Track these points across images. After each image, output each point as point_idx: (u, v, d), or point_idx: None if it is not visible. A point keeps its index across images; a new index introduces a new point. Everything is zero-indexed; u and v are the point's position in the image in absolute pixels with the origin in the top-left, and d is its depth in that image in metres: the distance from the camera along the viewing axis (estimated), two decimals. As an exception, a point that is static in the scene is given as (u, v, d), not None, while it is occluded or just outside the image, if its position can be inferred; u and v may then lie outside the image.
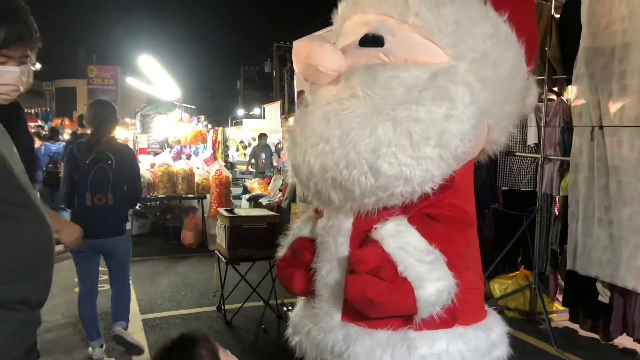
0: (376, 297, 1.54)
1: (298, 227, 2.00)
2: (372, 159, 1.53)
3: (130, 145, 11.36)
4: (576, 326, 4.20)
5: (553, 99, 4.58)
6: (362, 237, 1.69)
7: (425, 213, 1.66)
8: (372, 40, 1.71)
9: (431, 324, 1.63)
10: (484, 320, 1.79)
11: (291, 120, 1.82)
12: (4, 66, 1.43)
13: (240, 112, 36.50)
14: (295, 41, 1.72)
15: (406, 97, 1.58)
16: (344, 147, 1.55)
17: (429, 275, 1.54)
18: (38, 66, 1.54)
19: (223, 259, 4.24)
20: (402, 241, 1.57)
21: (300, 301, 1.97)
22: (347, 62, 1.68)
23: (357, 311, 1.66)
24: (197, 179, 7.10)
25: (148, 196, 6.73)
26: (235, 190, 11.70)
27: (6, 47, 1.41)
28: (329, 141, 1.58)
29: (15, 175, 1.53)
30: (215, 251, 4.53)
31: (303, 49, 1.66)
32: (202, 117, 11.30)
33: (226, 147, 12.91)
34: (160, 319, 4.38)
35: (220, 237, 4.40)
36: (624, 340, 3.88)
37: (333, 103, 1.66)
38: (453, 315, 1.65)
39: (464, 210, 1.73)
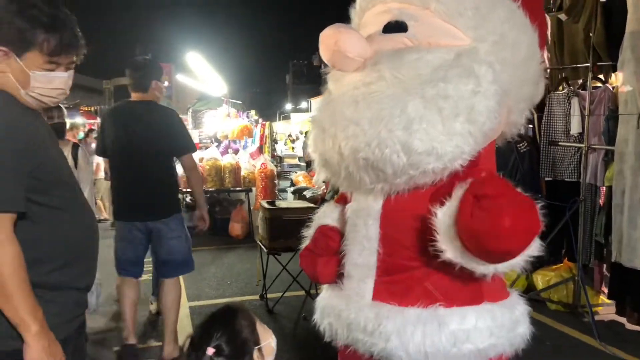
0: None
1: (319, 216, 2.05)
2: (404, 137, 1.55)
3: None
4: (623, 320, 4.09)
5: (599, 87, 4.44)
6: (393, 218, 1.72)
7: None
8: (395, 27, 1.74)
9: (460, 300, 1.66)
10: (507, 299, 1.80)
11: (314, 110, 1.86)
12: (54, 72, 1.58)
13: (289, 106, 36.82)
14: (322, 31, 1.74)
15: (433, 76, 1.61)
16: (375, 127, 1.57)
17: None
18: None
19: (265, 249, 4.40)
20: None
21: (325, 287, 2.01)
22: (372, 49, 1.72)
23: (387, 290, 1.71)
24: (243, 173, 7.30)
25: (197, 189, 6.98)
26: (284, 184, 11.92)
27: (57, 54, 1.57)
28: (359, 123, 1.60)
29: (65, 174, 1.70)
30: (258, 242, 4.69)
31: (331, 37, 1.70)
32: (253, 112, 11.52)
33: (274, 141, 13.12)
34: (206, 306, 4.57)
35: (262, 228, 4.56)
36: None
37: (360, 88, 1.68)
38: (481, 293, 1.68)
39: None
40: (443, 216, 1.53)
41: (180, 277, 3.62)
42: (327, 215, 2.02)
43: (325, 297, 1.96)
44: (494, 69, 1.63)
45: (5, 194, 1.44)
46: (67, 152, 3.57)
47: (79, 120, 11.72)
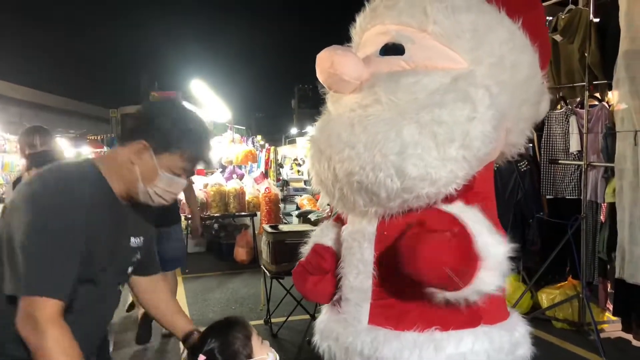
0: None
1: (316, 234, 2.06)
2: (398, 161, 1.55)
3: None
4: (629, 336, 4.06)
5: (595, 105, 4.49)
6: (387, 241, 1.72)
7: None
8: (392, 49, 1.74)
9: (457, 323, 1.64)
10: (507, 320, 1.78)
11: (313, 130, 1.85)
12: (179, 178, 1.61)
13: (294, 130, 37.03)
14: (318, 53, 1.73)
15: (429, 100, 1.60)
16: (370, 150, 1.57)
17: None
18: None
19: (268, 273, 4.41)
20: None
21: (324, 309, 2.02)
22: (369, 71, 1.71)
23: (383, 315, 1.71)
24: (247, 197, 7.35)
25: (202, 215, 7.03)
26: (290, 207, 11.94)
27: (191, 163, 1.61)
28: (354, 147, 1.60)
29: (108, 269, 1.62)
30: (262, 266, 4.71)
31: (326, 59, 1.69)
32: (259, 137, 11.61)
33: (279, 166, 13.19)
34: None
35: (265, 252, 4.58)
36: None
37: (357, 110, 1.68)
38: (478, 315, 1.66)
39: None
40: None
41: (185, 302, 3.83)
42: (324, 234, 2.04)
43: (324, 320, 1.96)
44: (491, 93, 1.63)
45: (53, 279, 1.38)
46: None
47: (86, 149, 11.86)
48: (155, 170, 1.54)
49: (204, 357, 1.45)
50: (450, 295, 1.52)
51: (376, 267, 1.74)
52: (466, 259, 1.45)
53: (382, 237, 1.74)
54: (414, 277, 1.48)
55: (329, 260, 1.95)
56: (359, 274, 1.78)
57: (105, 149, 15.28)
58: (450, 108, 1.57)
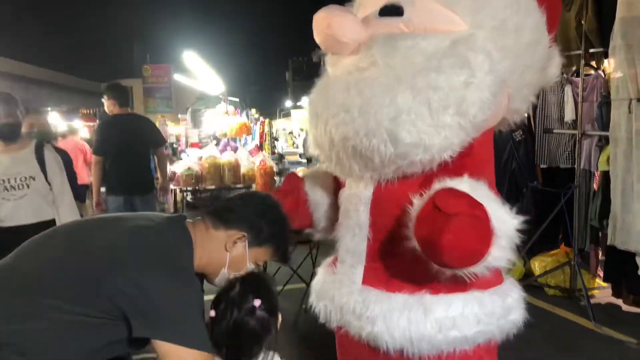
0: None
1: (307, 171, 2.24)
2: (391, 127, 1.53)
3: (182, 140, 11.83)
4: (619, 302, 4.15)
5: (591, 74, 4.48)
6: (383, 205, 1.73)
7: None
8: (391, 10, 1.70)
9: (447, 288, 1.65)
10: (500, 286, 1.79)
11: (313, 92, 1.83)
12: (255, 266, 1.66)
13: (289, 103, 36.81)
14: (315, 13, 1.70)
15: (426, 65, 1.57)
16: (364, 115, 1.55)
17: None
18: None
19: (264, 243, 4.42)
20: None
21: (320, 270, 2.07)
22: (367, 32, 1.68)
23: (376, 276, 1.74)
24: (242, 170, 7.35)
25: (197, 188, 7.04)
26: (285, 180, 11.91)
27: (275, 259, 1.71)
28: (349, 110, 1.58)
29: None
30: (258, 237, 4.72)
31: (323, 20, 1.66)
32: (254, 111, 11.52)
33: (273, 139, 13.15)
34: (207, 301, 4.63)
35: (261, 223, 4.59)
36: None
37: (354, 72, 1.66)
38: (469, 280, 1.63)
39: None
40: (415, 207, 1.55)
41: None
42: (310, 172, 2.20)
43: (320, 281, 2.01)
44: (491, 58, 1.59)
45: (205, 335, 1.45)
46: (30, 152, 3.10)
47: (78, 123, 11.75)
48: (245, 261, 1.62)
49: (259, 302, 1.50)
50: (459, 271, 1.51)
51: (371, 231, 1.76)
52: (485, 240, 1.45)
53: (378, 201, 1.75)
54: (433, 259, 1.48)
55: (291, 184, 2.13)
56: (354, 236, 1.80)
57: (98, 122, 15.16)
58: (447, 73, 1.55)
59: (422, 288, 1.67)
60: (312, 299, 2.00)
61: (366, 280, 1.78)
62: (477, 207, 1.44)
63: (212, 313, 1.51)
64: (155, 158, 5.01)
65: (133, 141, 4.57)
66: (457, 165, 1.63)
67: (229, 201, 1.67)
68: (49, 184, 3.11)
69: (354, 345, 1.81)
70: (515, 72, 1.70)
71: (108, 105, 4.67)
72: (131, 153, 4.57)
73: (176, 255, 1.48)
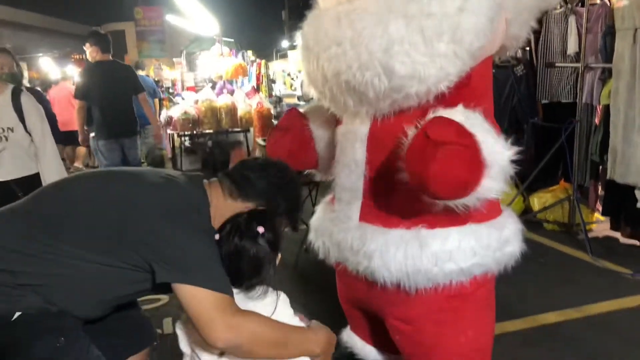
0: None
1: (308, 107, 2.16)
2: (384, 59, 1.48)
3: (178, 84, 11.65)
4: (617, 235, 4.20)
5: (596, 4, 4.32)
6: (379, 141, 1.70)
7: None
8: None
9: (444, 221, 1.64)
10: (497, 218, 1.77)
11: (304, 25, 1.76)
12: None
13: (285, 43, 35.99)
14: None
15: None
16: (356, 48, 1.50)
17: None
18: None
19: (263, 185, 4.43)
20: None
21: (319, 207, 2.07)
22: None
23: (373, 213, 1.74)
24: (240, 113, 7.24)
25: (195, 132, 6.97)
26: (283, 123, 11.79)
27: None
28: (341, 43, 1.54)
29: None
30: (257, 179, 4.72)
31: None
32: (250, 52, 11.26)
33: (271, 81, 12.92)
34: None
35: (260, 165, 4.58)
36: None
37: (344, 3, 1.60)
38: (465, 214, 1.62)
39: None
40: (409, 139, 1.50)
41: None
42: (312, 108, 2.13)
43: (319, 218, 2.01)
44: None
45: (226, 280, 1.45)
46: (6, 100, 2.88)
47: (72, 68, 11.53)
48: None
49: (263, 229, 1.52)
50: (450, 202, 1.49)
51: (368, 167, 1.74)
52: (475, 170, 1.41)
53: (375, 137, 1.72)
54: (422, 190, 1.45)
55: (291, 120, 2.10)
56: (350, 173, 1.78)
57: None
58: None
59: (418, 223, 1.67)
60: (311, 236, 2.01)
61: (363, 217, 1.78)
62: (466, 136, 1.40)
63: (217, 236, 1.51)
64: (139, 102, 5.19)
65: (116, 86, 4.83)
66: (455, 96, 1.58)
67: (247, 169, 1.63)
68: (29, 134, 2.89)
69: (352, 280, 1.83)
70: None
71: (90, 52, 4.83)
72: (115, 97, 4.82)
73: (196, 211, 1.49)
